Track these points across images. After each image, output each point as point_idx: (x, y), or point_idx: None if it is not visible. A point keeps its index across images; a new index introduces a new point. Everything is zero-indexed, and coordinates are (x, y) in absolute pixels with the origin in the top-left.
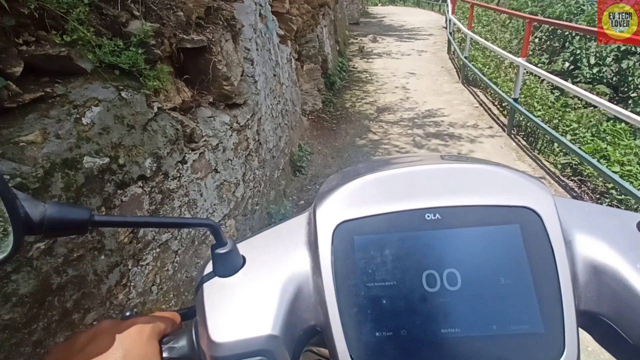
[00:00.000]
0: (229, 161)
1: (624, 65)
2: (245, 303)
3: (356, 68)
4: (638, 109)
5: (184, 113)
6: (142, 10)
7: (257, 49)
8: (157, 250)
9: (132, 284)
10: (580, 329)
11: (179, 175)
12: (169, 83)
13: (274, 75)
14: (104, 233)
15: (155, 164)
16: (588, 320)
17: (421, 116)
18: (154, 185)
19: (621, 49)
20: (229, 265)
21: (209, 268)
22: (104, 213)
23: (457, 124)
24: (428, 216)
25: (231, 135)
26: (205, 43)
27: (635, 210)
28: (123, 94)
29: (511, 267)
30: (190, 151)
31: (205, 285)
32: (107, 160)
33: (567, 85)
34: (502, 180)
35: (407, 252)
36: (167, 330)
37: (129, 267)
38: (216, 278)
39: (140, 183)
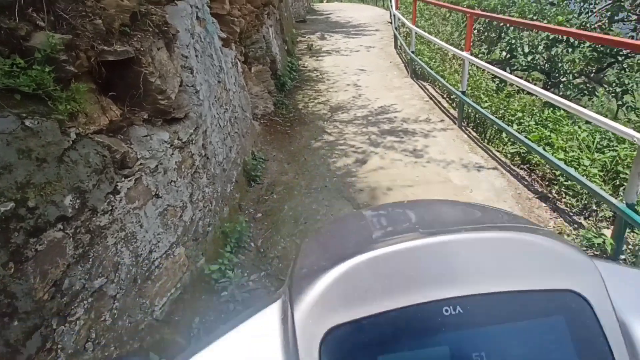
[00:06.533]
0: (172, 183)
1: (553, 53)
2: None
3: (306, 67)
4: (568, 92)
5: (113, 134)
6: (49, 20)
7: (196, 56)
8: (90, 299)
9: (59, 346)
10: None
11: (110, 208)
12: (88, 103)
13: (219, 81)
14: (15, 294)
15: (78, 201)
16: None
17: (374, 113)
18: (79, 225)
19: (550, 38)
20: None
21: None
22: (12, 269)
23: (410, 119)
24: (447, 310)
25: (172, 153)
26: (132, 54)
27: (581, 196)
28: (27, 122)
29: None
30: (123, 179)
31: None
32: (11, 205)
33: (507, 75)
34: (534, 252)
35: None
36: None
37: (54, 327)
38: None
39: (60, 225)
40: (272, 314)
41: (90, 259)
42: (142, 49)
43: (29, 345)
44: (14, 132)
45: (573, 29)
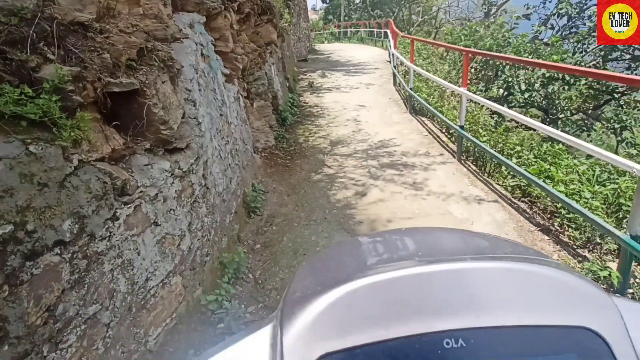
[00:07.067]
0: (171, 211)
1: (549, 90)
2: None
3: (307, 103)
4: (567, 129)
5: (115, 163)
6: (59, 54)
7: (199, 89)
8: (83, 326)
9: None
10: None
11: (108, 234)
12: (92, 132)
13: (221, 114)
14: (7, 318)
15: (76, 226)
16: None
17: (374, 147)
18: (76, 250)
19: (546, 76)
20: None
21: None
22: (7, 292)
23: (409, 153)
24: (447, 343)
25: (172, 182)
26: (137, 86)
27: (584, 229)
28: (32, 148)
29: None
30: (122, 205)
31: None
32: (10, 228)
33: (505, 110)
34: (544, 284)
35: None
36: None
37: (44, 353)
38: None
39: (57, 250)
40: (262, 337)
41: (86, 285)
42: (147, 82)
43: None
44: (17, 157)
45: (567, 65)
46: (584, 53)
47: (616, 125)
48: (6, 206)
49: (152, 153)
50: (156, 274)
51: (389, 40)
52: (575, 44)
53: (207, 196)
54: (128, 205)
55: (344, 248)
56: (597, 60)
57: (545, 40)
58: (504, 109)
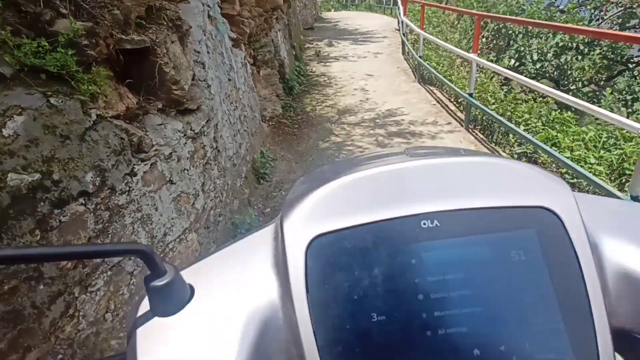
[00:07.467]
0: (185, 171)
1: (562, 60)
2: (194, 348)
3: (314, 72)
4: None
5: (130, 121)
6: (70, 9)
7: (208, 52)
8: (109, 273)
9: (80, 313)
10: None
11: (128, 189)
12: (108, 88)
13: (229, 79)
14: None
15: (98, 178)
16: (621, 340)
17: (382, 116)
18: (99, 202)
19: (559, 45)
20: (170, 300)
21: (144, 306)
22: (38, 236)
23: (417, 122)
24: (424, 223)
25: (185, 143)
26: (148, 44)
27: (587, 193)
28: (52, 100)
29: (529, 281)
30: (139, 162)
31: (140, 331)
32: (38, 176)
33: (517, 76)
34: (510, 175)
35: (402, 271)
36: None
37: (76, 295)
38: (155, 319)
39: (82, 200)
40: (267, 232)
41: (109, 235)
42: (157, 41)
43: (53, 309)
44: (39, 109)
45: (587, 27)
46: (600, 21)
47: (628, 97)
48: (32, 155)
49: (165, 113)
50: (173, 230)
51: (399, 8)
52: (592, 10)
53: (218, 159)
54: (145, 162)
55: (341, 161)
56: (614, 28)
57: (561, 7)
58: (513, 74)
